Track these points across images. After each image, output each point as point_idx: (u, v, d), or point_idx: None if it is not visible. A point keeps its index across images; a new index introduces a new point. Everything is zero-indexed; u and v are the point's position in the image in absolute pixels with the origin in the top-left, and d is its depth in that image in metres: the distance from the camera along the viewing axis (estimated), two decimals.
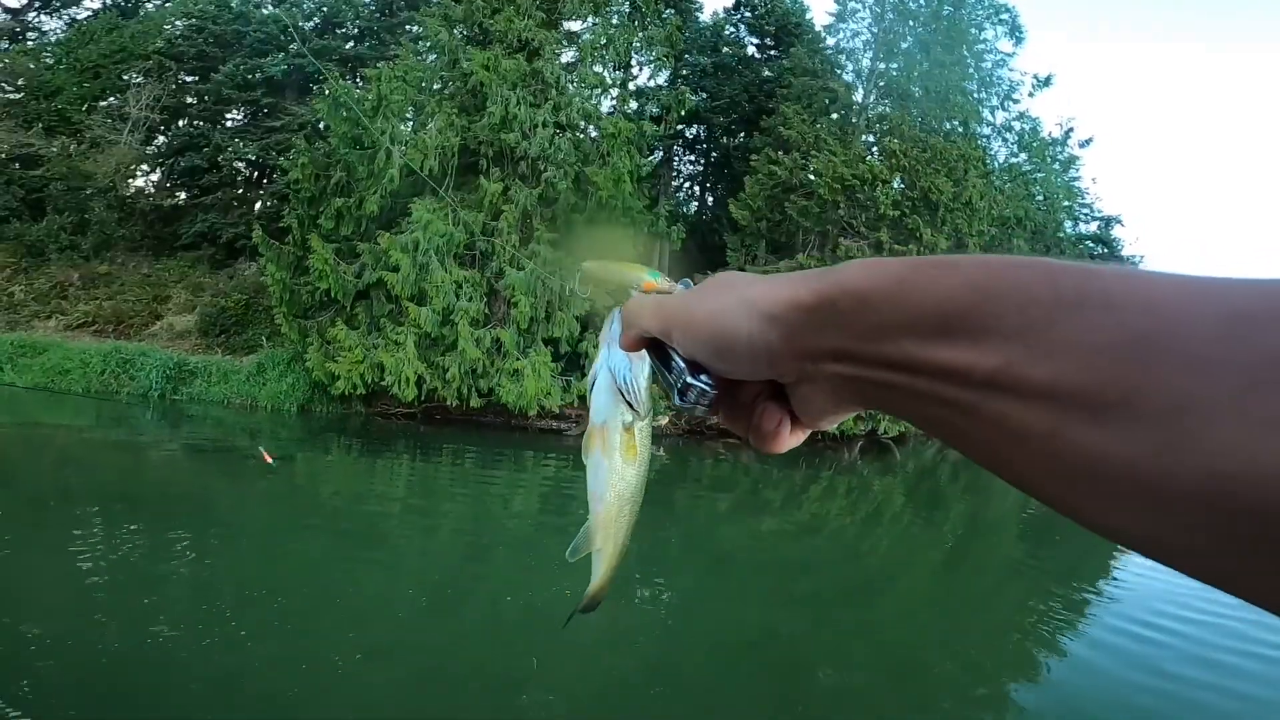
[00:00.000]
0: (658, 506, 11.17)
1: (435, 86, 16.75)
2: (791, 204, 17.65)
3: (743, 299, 0.34)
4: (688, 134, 24.54)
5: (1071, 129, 22.69)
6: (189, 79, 23.73)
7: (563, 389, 15.63)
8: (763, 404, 0.38)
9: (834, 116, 19.24)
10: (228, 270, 19.90)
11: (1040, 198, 21.32)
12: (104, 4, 29.37)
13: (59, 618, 4.62)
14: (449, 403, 14.65)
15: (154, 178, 24.23)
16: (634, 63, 20.05)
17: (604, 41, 17.75)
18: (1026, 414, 0.24)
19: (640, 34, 18.51)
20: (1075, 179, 22.96)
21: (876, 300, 0.28)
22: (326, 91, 15.91)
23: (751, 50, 25.02)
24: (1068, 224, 23.22)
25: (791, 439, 0.39)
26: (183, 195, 23.21)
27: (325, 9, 23.40)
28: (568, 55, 17.93)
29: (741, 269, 18.20)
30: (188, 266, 20.36)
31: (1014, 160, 21.08)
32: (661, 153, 21.64)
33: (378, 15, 23.35)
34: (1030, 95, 21.48)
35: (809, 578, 7.75)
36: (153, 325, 17.88)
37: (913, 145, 17.53)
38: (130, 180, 22.87)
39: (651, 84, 21.42)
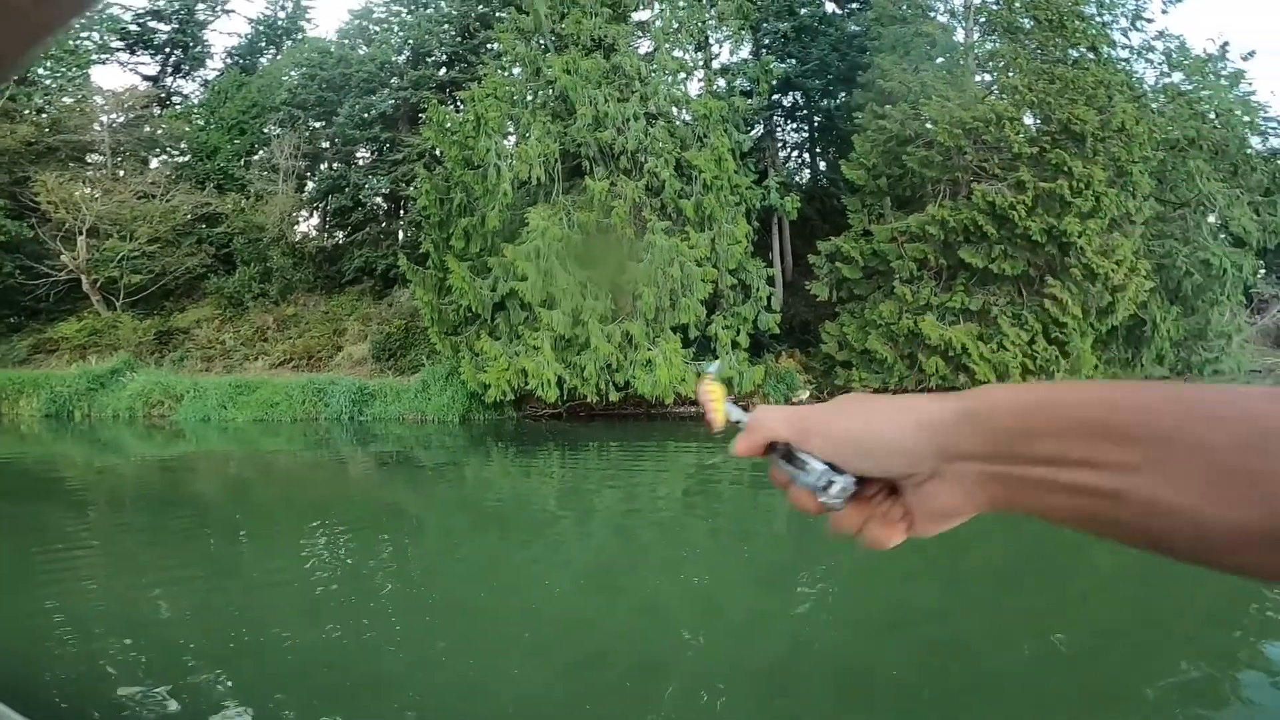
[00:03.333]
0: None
1: (526, 98, 17.33)
2: (909, 155, 16.79)
3: (900, 408, 0.43)
4: (785, 103, 23.56)
5: (1227, 43, 20.92)
6: (317, 124, 26.00)
7: (696, 374, 15.83)
8: (885, 500, 0.46)
9: (938, 61, 18.17)
10: (386, 299, 22.19)
11: (1213, 116, 19.07)
12: (225, 64, 33.27)
13: (291, 614, 5.44)
14: (589, 399, 15.40)
15: (314, 222, 27.32)
16: (711, 41, 19.60)
17: (675, 26, 17.52)
18: (1175, 497, 0.31)
19: (710, 11, 18.01)
20: (1250, 93, 20.05)
21: (1027, 410, 0.37)
22: (432, 119, 16.95)
23: (831, 7, 23.68)
24: (1254, 139, 20.13)
25: (898, 536, 0.47)
26: (340, 235, 25.91)
27: (412, 41, 24.60)
28: (644, 46, 17.91)
29: (866, 230, 17.34)
30: (355, 300, 22.92)
31: (1167, 81, 19.32)
32: (761, 126, 20.94)
33: (459, 39, 24.31)
34: (1164, 12, 19.09)
35: (978, 551, 7.10)
36: (335, 356, 20.48)
37: (1037, 77, 16.21)
38: (295, 227, 25.93)
39: (735, 59, 20.90)
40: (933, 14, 18.91)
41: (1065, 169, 15.52)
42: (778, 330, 17.17)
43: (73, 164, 24.18)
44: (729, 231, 16.37)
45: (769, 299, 17.16)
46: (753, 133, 19.45)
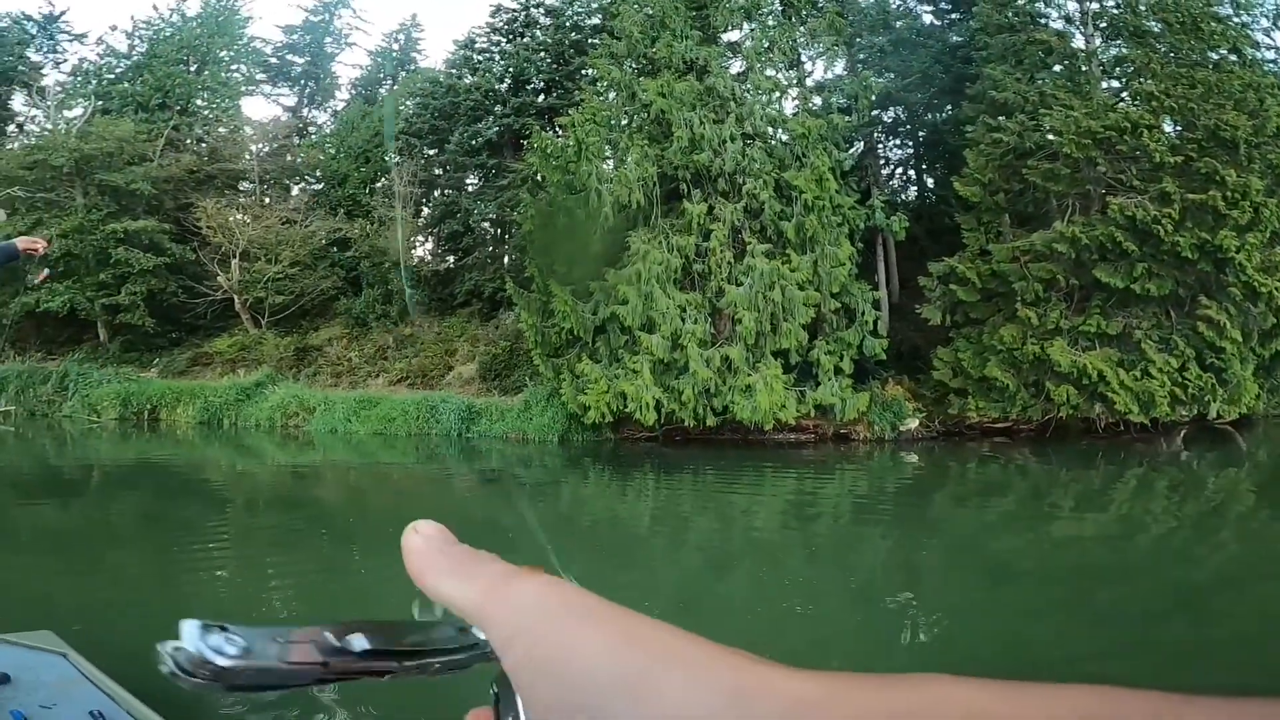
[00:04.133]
0: (908, 520, 10.35)
1: (623, 122, 17.61)
2: (1031, 170, 15.72)
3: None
4: (885, 119, 22.73)
5: None
6: (431, 152, 27.41)
7: (797, 400, 15.36)
8: None
9: (1056, 69, 17.13)
10: (494, 321, 23.26)
11: None
12: (350, 95, 36.00)
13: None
14: (686, 423, 15.30)
15: (429, 246, 29.07)
16: (805, 58, 19.29)
17: (766, 45, 17.34)
18: None
19: (801, 28, 17.67)
20: None
21: None
22: (534, 145, 17.58)
23: (928, 19, 22.73)
24: None
25: None
26: (451, 259, 27.43)
27: (512, 69, 25.68)
28: (736, 66, 17.82)
29: (983, 250, 16.31)
30: (465, 322, 24.18)
31: None
32: (862, 143, 20.26)
33: (555, 66, 25.13)
34: None
35: (1118, 587, 6.41)
36: (447, 375, 21.67)
37: (1175, 83, 15.01)
38: (413, 251, 27.66)
39: (830, 76, 20.42)
40: (1044, 20, 17.87)
41: (1217, 178, 14.04)
42: (884, 356, 16.34)
43: (228, 191, 26.88)
44: (832, 253, 15.85)
45: (875, 323, 16.39)
46: (853, 150, 18.85)
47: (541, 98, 25.55)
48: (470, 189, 26.87)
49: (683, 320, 14.99)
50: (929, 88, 20.61)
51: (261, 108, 62.93)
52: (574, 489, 13.39)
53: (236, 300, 24.75)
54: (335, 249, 26.54)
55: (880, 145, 23.66)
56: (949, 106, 20.49)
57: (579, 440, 17.13)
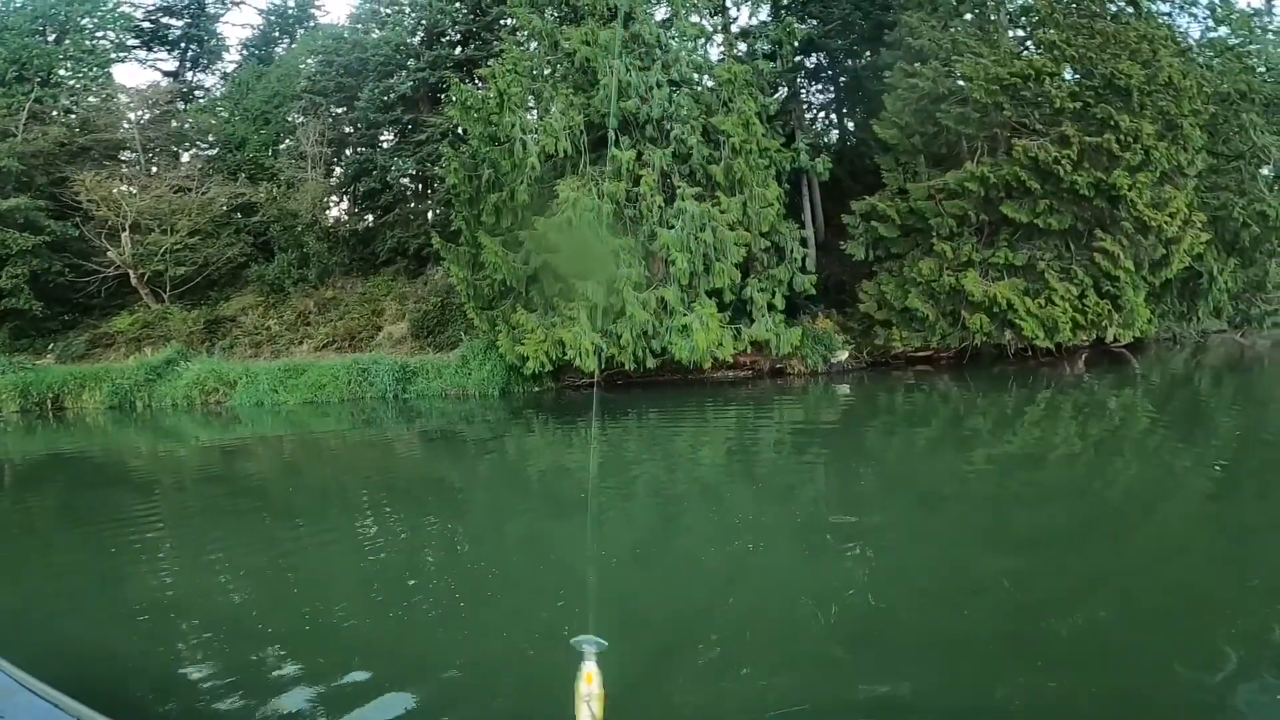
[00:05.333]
0: (845, 447, 10.90)
1: (545, 72, 17.18)
2: (944, 114, 16.40)
3: None
4: (808, 64, 22.97)
5: None
6: (339, 110, 26.12)
7: (733, 337, 15.74)
8: None
9: (967, 17, 17.77)
10: (422, 278, 22.50)
11: (1263, 70, 18.94)
12: (241, 56, 33.56)
13: (346, 592, 5.62)
14: (627, 367, 15.45)
15: (344, 205, 27.65)
16: (729, 4, 19.24)
17: None
18: None
19: None
20: None
21: None
22: (455, 97, 16.92)
23: None
24: None
25: None
26: (370, 218, 26.26)
27: (425, 22, 24.42)
28: (660, 13, 17.55)
29: (901, 189, 16.92)
30: (391, 280, 23.31)
31: (1213, 35, 18.99)
32: (786, 89, 20.46)
33: (472, 17, 24.04)
34: None
35: (1033, 513, 6.90)
36: (376, 336, 20.93)
37: (1076, 33, 15.90)
38: (327, 211, 26.30)
39: (754, 22, 20.48)
40: None
41: (1112, 123, 15.07)
42: (814, 291, 16.95)
43: (107, 162, 24.91)
44: (760, 194, 16.11)
45: (804, 260, 16.91)
46: (778, 95, 19.04)
47: (459, 50, 24.41)
48: (385, 145, 25.65)
49: (617, 265, 14.96)
50: (849, 34, 20.88)
51: (136, 74, 57.71)
52: (519, 441, 13.34)
53: (132, 275, 23.02)
54: (239, 215, 25.11)
55: (804, 90, 23.97)
56: (868, 53, 20.88)
57: (520, 392, 17.00)
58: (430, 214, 24.42)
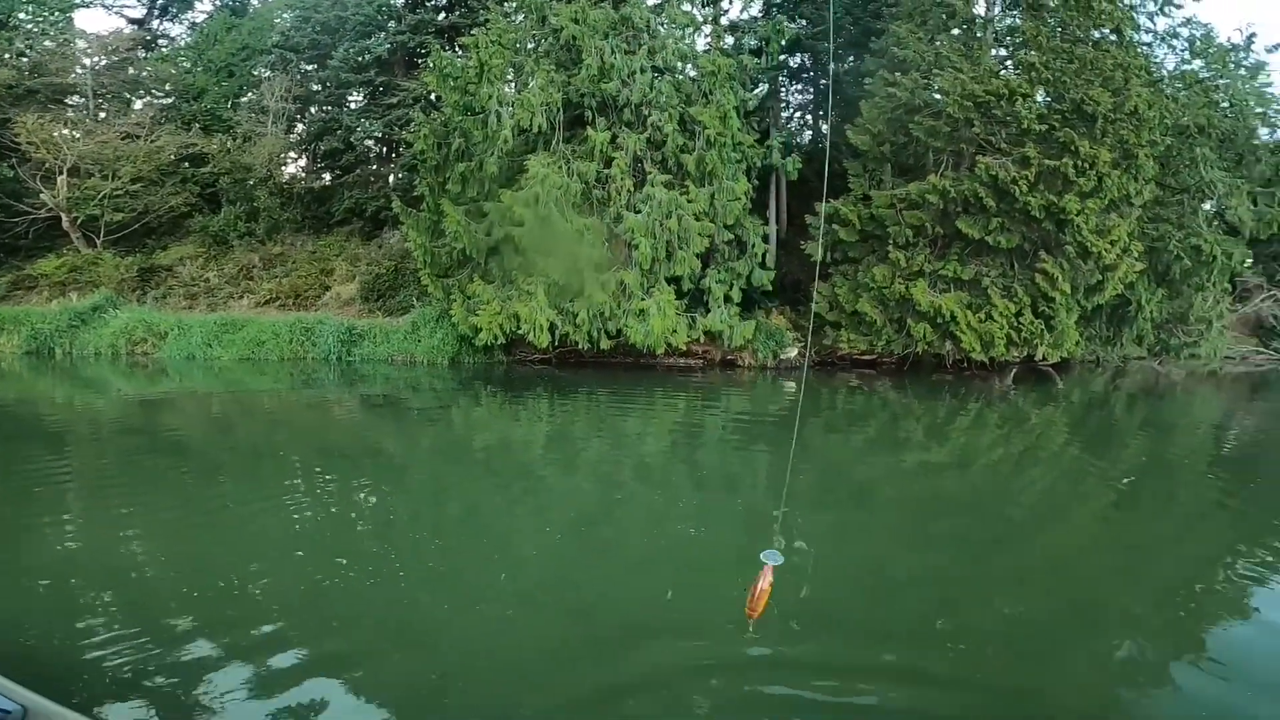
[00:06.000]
0: (787, 446, 11.02)
1: (530, 46, 16.96)
2: (916, 125, 16.71)
3: None
4: (792, 64, 23.22)
5: (1254, 34, 20.76)
6: (309, 67, 25.33)
7: (688, 325, 15.84)
8: None
9: (955, 33, 17.94)
10: (377, 240, 21.89)
11: (1226, 105, 19.42)
12: (215, 5, 32.14)
13: (270, 557, 5.48)
14: (581, 346, 15.38)
15: (302, 163, 26.74)
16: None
17: None
18: None
19: None
20: (1266, 85, 20.33)
21: None
22: (433, 64, 16.55)
23: None
24: (1263, 131, 20.45)
25: None
26: (328, 177, 25.47)
27: None
28: None
29: (865, 195, 17.21)
30: (344, 241, 22.60)
31: (1186, 68, 19.49)
32: (767, 85, 20.64)
33: None
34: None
35: (956, 517, 7.25)
36: (323, 296, 20.23)
37: (1055, 56, 16.26)
38: (283, 168, 25.38)
39: (746, 17, 20.45)
40: None
41: (1072, 148, 15.63)
42: (770, 287, 17.19)
43: (53, 106, 23.63)
44: (729, 188, 16.25)
45: (764, 256, 17.13)
46: (758, 91, 19.20)
47: (443, 15, 23.90)
48: (353, 106, 24.98)
49: (580, 244, 14.87)
50: (838, 37, 21.05)
51: (101, 20, 54.99)
52: (466, 412, 13.13)
53: (64, 218, 21.82)
54: (188, 165, 24.08)
55: (784, 89, 24.17)
56: (852, 58, 21.12)
57: (471, 362, 16.71)
58: (392, 178, 23.86)
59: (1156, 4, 19.33)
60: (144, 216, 22.60)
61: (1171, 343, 19.34)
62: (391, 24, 23.28)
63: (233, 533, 6.07)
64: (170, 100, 26.72)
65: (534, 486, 8.12)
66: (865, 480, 8.87)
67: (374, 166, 24.87)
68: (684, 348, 16.16)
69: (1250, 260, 20.90)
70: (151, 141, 22.96)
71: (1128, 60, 16.68)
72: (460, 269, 16.03)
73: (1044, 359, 17.05)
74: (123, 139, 22.52)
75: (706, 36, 18.69)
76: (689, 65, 17.26)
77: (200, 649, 3.96)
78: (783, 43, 18.96)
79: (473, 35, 16.42)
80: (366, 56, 23.08)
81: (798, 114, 26.22)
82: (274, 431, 11.31)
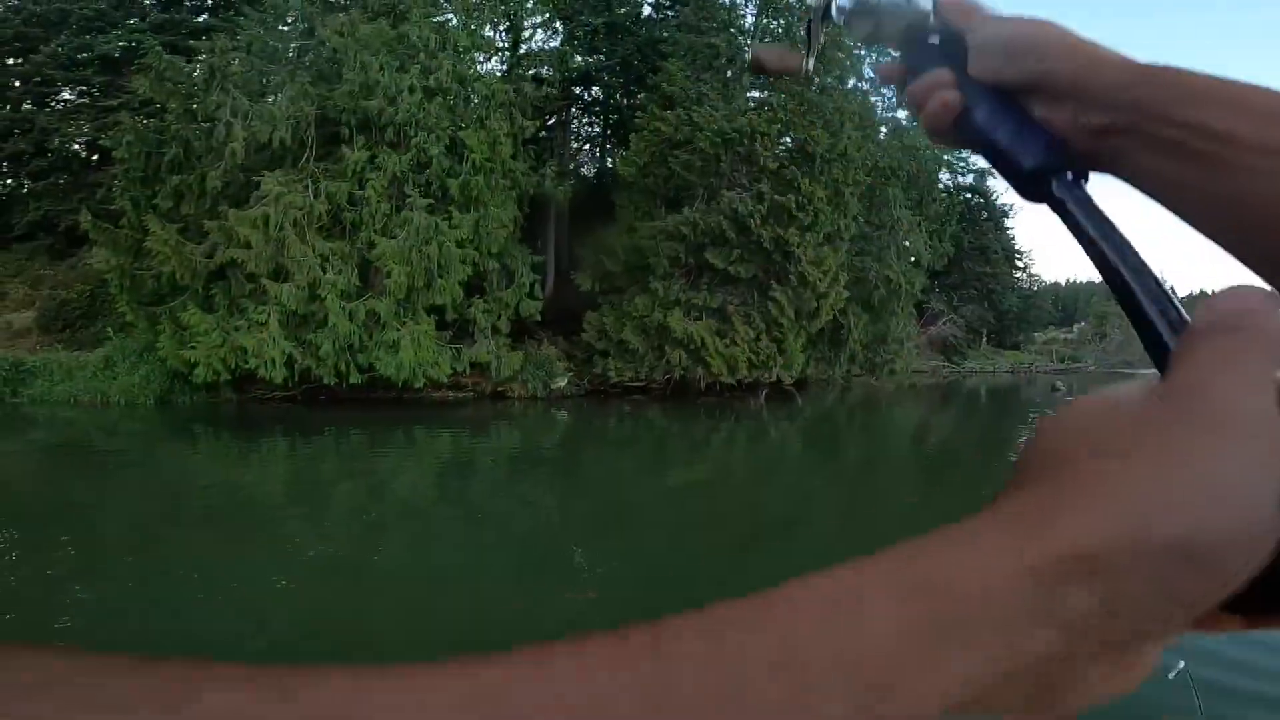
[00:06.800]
0: (558, 475, 11.18)
1: (289, 55, 15.72)
2: (675, 159, 17.99)
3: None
4: (585, 97, 24.10)
5: None
6: (10, 61, 21.42)
7: (452, 357, 15.37)
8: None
9: (728, 74, 19.52)
10: (70, 260, 18.15)
11: (924, 148, 22.67)
12: None
13: None
14: (326, 381, 14.13)
15: None
16: (526, 26, 19.39)
17: (477, 0, 17.04)
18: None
19: None
20: None
21: (1172, 80, 0.34)
22: (150, 65, 14.59)
23: (648, 10, 24.67)
24: (944, 175, 24.87)
25: None
26: (9, 183, 20.89)
27: None
28: (450, 19, 17.17)
29: (633, 227, 18.22)
30: (25, 259, 18.45)
31: (889, 115, 22.33)
32: (557, 117, 21.14)
33: None
34: None
35: (712, 531, 7.76)
36: None
37: (791, 99, 18.22)
38: None
39: (547, 47, 20.96)
40: (732, 30, 20.26)
41: (795, 185, 17.72)
42: (539, 317, 17.39)
43: None
44: (496, 215, 16.19)
45: (532, 285, 17.30)
46: (544, 121, 19.39)
47: (204, 17, 21.63)
48: (58, 107, 21.36)
49: (324, 270, 13.75)
50: (628, 73, 22.01)
51: None
52: (178, 457, 11.29)
53: None
54: None
55: (575, 121, 24.79)
56: (639, 94, 22.17)
57: (187, 402, 14.44)
58: (102, 190, 20.28)
59: (876, 55, 23.05)
60: None
61: (876, 361, 23.16)
62: (133, 21, 20.35)
63: None
64: None
65: (270, 533, 7.20)
66: (636, 505, 9.17)
67: (74, 175, 20.97)
68: (448, 380, 15.61)
69: (937, 289, 25.89)
70: None
71: (844, 105, 19.11)
72: (173, 296, 13.89)
73: (780, 380, 19.34)
74: None
75: (501, 63, 18.63)
76: (469, 89, 16.86)
77: None
78: (567, 73, 19.41)
79: (211, 39, 14.92)
80: (89, 54, 20.05)
81: (587, 146, 27.24)
82: None
